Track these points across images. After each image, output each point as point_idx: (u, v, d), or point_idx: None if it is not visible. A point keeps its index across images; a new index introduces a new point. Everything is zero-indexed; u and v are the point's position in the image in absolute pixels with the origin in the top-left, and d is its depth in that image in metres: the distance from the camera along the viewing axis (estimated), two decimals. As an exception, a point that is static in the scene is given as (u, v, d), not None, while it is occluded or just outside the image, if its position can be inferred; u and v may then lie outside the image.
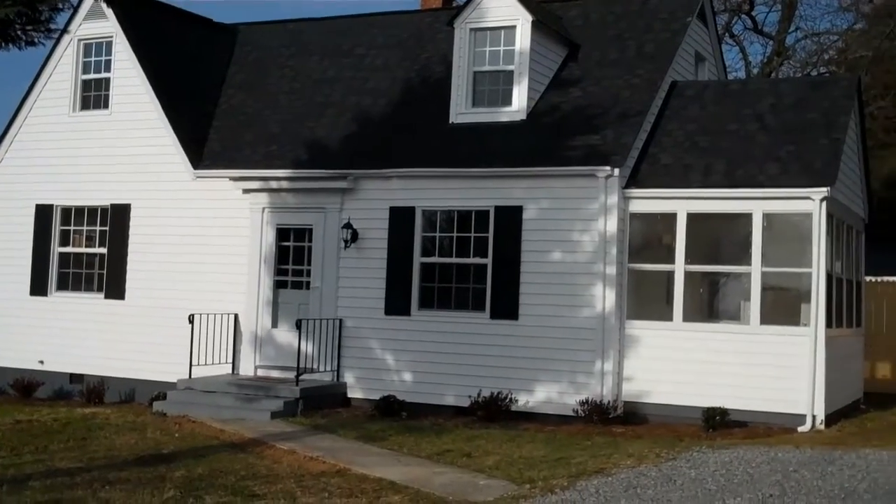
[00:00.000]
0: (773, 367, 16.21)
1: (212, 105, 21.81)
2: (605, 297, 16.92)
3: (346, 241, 18.70)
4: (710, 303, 18.02)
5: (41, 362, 21.22)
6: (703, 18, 20.90)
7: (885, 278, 23.39)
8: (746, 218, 16.65)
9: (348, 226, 18.66)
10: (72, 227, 21.52)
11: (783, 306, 17.03)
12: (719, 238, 17.77)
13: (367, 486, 11.68)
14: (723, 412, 15.95)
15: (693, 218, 16.96)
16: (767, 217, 16.55)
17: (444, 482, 12.01)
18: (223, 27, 23.83)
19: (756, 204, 16.53)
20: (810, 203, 16.20)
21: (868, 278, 22.55)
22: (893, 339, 22.66)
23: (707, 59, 21.22)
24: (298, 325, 17.78)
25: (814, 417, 16.01)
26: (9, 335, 21.69)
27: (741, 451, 13.65)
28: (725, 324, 17.14)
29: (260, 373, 19.47)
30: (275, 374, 19.14)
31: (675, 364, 16.75)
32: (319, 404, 17.94)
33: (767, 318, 16.48)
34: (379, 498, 11.13)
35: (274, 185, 19.49)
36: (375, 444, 14.71)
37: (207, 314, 19.16)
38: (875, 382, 21.98)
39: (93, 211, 21.27)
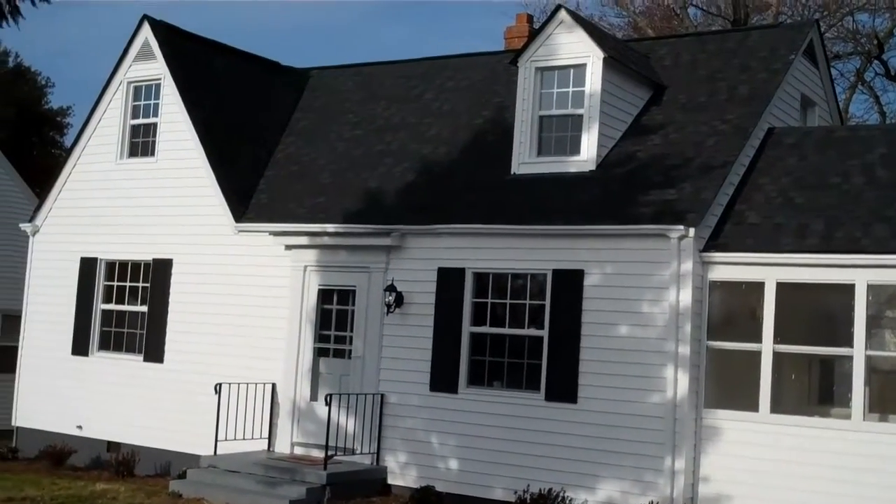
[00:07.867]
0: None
1: (268, 153, 20.01)
2: (676, 381, 14.27)
3: (388, 306, 16.48)
4: (806, 391, 15.11)
5: (79, 427, 19.64)
6: (812, 57, 18.06)
7: None
8: (847, 289, 13.76)
9: (392, 288, 16.46)
10: (115, 283, 19.89)
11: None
12: (817, 313, 14.83)
13: None
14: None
15: (784, 288, 14.16)
16: (872, 289, 13.65)
17: None
18: (291, 70, 22.07)
19: (859, 273, 13.66)
20: (926, 274, 13.28)
21: None
22: None
23: (818, 105, 18.33)
24: (328, 401, 15.63)
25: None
26: (48, 397, 20.21)
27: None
28: (820, 419, 14.17)
29: (297, 450, 17.35)
30: (314, 452, 16.99)
31: (764, 464, 13.91)
32: (352, 492, 15.67)
33: (876, 410, 13.58)
34: None
35: (316, 241, 17.43)
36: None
37: (240, 383, 17.19)
38: None
39: (136, 266, 19.61)
